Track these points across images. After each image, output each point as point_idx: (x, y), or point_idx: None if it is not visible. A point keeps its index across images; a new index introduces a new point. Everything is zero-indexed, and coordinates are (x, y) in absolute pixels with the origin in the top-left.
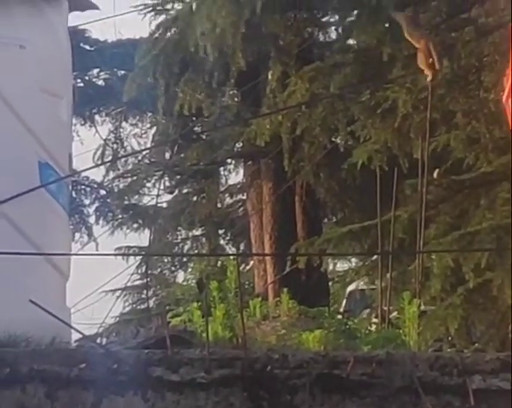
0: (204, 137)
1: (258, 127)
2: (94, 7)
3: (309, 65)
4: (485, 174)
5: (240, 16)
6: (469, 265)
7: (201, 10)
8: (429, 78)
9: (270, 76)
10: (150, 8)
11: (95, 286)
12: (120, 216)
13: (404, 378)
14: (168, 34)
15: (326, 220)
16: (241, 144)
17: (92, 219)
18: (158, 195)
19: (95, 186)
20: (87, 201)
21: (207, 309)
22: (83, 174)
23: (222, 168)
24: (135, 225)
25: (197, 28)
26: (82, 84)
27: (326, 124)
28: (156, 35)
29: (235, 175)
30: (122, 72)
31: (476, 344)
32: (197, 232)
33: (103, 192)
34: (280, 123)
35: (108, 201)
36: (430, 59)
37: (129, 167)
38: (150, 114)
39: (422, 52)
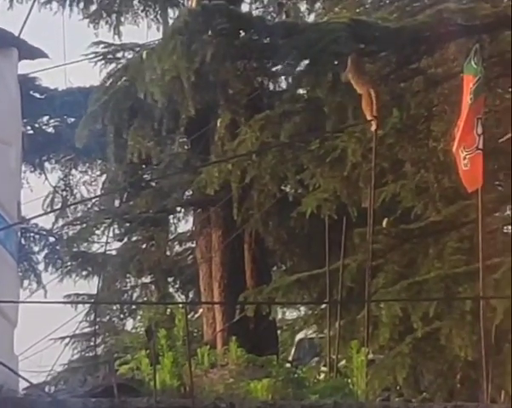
0: (154, 185)
1: (207, 176)
2: (44, 55)
3: (258, 113)
4: (433, 223)
5: (190, 64)
6: (417, 314)
7: (151, 58)
8: (372, 127)
9: (218, 124)
10: (101, 57)
11: (44, 333)
12: (69, 263)
13: None
14: (119, 82)
15: (275, 268)
16: (191, 192)
17: (41, 266)
18: (107, 243)
19: (44, 233)
20: (36, 249)
21: (155, 358)
22: (33, 221)
23: (171, 216)
24: (84, 273)
25: (147, 75)
26: (31, 131)
27: (275, 173)
28: (107, 83)
29: (184, 223)
30: (72, 120)
31: (424, 394)
32: (146, 280)
33: (52, 239)
34: (229, 172)
35: (57, 248)
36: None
37: (79, 215)
38: (100, 161)
39: (364, 98)
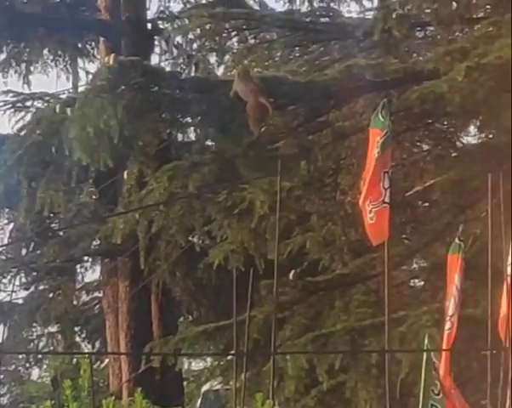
0: (61, 234)
1: (113, 225)
2: None
3: (166, 164)
4: (340, 276)
5: (112, 122)
6: (323, 367)
7: (74, 114)
8: (255, 134)
9: (125, 176)
10: (10, 106)
11: None
12: None
13: None
14: (33, 135)
15: (182, 319)
16: (99, 242)
17: None
18: (14, 292)
19: None
20: None
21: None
22: None
23: (79, 266)
24: None
25: (65, 131)
26: None
27: (183, 223)
28: (21, 135)
29: (91, 272)
30: None
31: None
32: (53, 329)
33: None
34: (136, 221)
35: None
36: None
37: None
38: (7, 210)
39: (251, 105)
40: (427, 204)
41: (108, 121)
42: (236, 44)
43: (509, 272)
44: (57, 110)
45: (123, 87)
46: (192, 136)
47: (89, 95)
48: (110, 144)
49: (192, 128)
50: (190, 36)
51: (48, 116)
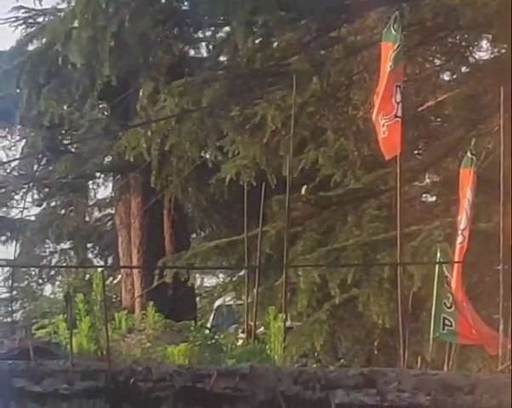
0: (73, 150)
1: (126, 142)
2: None
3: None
4: (352, 191)
5: (107, 24)
6: (335, 281)
7: (68, 19)
8: None
9: (141, 93)
10: (22, 21)
11: None
12: None
13: (267, 392)
14: (35, 42)
15: (194, 235)
16: (111, 158)
17: None
18: (26, 208)
19: None
20: None
21: (73, 322)
22: None
23: (91, 182)
24: (3, 238)
25: (63, 36)
26: None
27: (195, 139)
28: (26, 46)
29: (103, 189)
30: None
31: (342, 360)
32: (65, 245)
33: None
34: (149, 139)
35: None
36: None
37: None
38: (19, 127)
39: None
40: (439, 119)
41: (100, 24)
42: None
43: None
44: (61, 17)
45: None
46: (204, 52)
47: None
48: (106, 49)
49: (204, 44)
50: None
51: (52, 25)
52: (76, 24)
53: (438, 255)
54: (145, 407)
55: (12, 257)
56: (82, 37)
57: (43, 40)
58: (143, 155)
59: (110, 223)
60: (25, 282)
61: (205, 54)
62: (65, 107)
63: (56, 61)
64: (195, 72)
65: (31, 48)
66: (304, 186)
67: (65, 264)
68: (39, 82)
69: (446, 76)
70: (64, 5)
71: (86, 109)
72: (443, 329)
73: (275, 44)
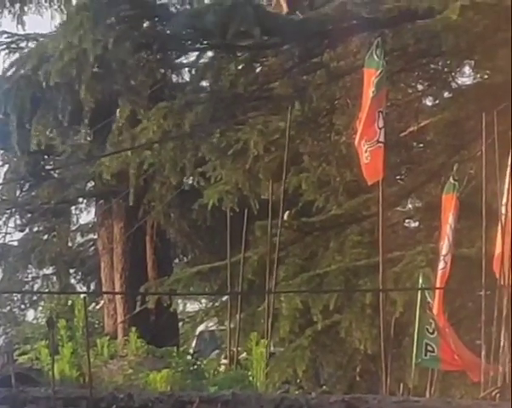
0: (56, 175)
1: (104, 164)
2: None
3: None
4: (335, 217)
5: (95, 41)
6: (317, 307)
7: (55, 38)
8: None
9: (118, 115)
10: (4, 47)
11: None
12: None
13: None
14: (22, 71)
15: (177, 260)
16: (93, 183)
17: None
18: (8, 233)
19: None
20: None
21: (55, 348)
22: None
23: (73, 207)
24: None
25: (46, 60)
26: None
27: (175, 163)
28: (10, 72)
29: (86, 214)
30: None
31: (324, 386)
32: (48, 270)
33: None
34: (128, 158)
35: None
36: None
37: None
38: (1, 151)
39: None
40: (422, 144)
41: (90, 38)
42: None
43: (503, 212)
44: (47, 44)
45: (113, 19)
46: (187, 77)
47: (71, 14)
48: (88, 73)
49: (187, 69)
50: None
51: (38, 51)
52: (62, 40)
53: (420, 281)
54: None
55: None
56: (63, 60)
57: (28, 65)
58: (125, 179)
59: (92, 248)
60: (8, 308)
61: (187, 79)
62: (47, 132)
63: (41, 86)
64: (175, 95)
65: (16, 73)
66: (287, 212)
67: (47, 290)
68: (26, 107)
69: (428, 102)
70: (47, 30)
71: (69, 134)
72: (425, 355)
73: (258, 69)
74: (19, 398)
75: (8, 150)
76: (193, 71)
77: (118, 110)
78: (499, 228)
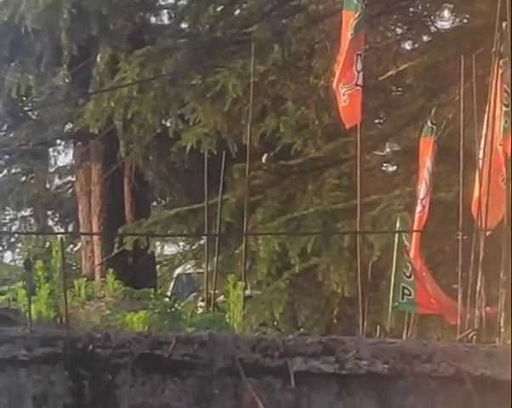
0: (34, 117)
1: (90, 114)
2: None
3: (140, 48)
4: (313, 160)
5: None
6: (295, 250)
7: None
8: None
9: (98, 60)
10: None
11: None
12: None
13: (226, 359)
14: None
15: (155, 203)
16: (71, 125)
17: None
18: None
19: None
20: None
21: (32, 289)
22: None
23: (51, 149)
24: None
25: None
26: None
27: (157, 108)
28: None
29: (64, 156)
30: None
31: (301, 329)
32: (26, 212)
33: None
34: (112, 109)
35: None
36: None
37: None
38: None
39: None
40: (400, 88)
41: None
42: None
43: (480, 156)
44: None
45: None
46: (166, 19)
47: None
48: (64, 16)
49: (165, 11)
50: None
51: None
52: None
53: (398, 224)
54: (103, 373)
55: None
56: (39, 5)
57: (6, 13)
58: (106, 124)
59: (70, 190)
60: None
61: (166, 22)
62: (28, 76)
63: (19, 32)
64: (156, 40)
65: None
66: (265, 154)
67: (25, 231)
68: (3, 55)
69: (407, 46)
70: None
71: (47, 76)
72: (402, 298)
73: (236, 12)
74: None
75: None
76: (172, 14)
77: (98, 56)
78: (477, 172)
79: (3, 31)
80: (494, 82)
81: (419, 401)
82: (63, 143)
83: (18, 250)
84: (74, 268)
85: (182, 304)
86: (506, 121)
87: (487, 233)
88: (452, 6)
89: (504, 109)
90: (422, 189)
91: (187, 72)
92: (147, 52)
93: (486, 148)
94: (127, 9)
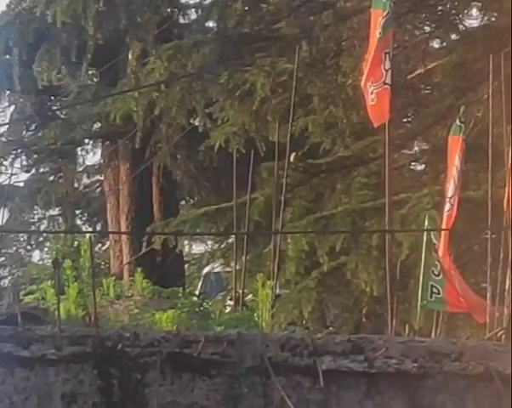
0: (62, 116)
1: (113, 106)
2: None
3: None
4: (341, 159)
5: None
6: (323, 249)
7: None
8: None
9: (130, 56)
10: None
11: None
12: None
13: (255, 358)
14: (24, 4)
15: (183, 202)
16: (100, 125)
17: None
18: (14, 174)
19: None
20: None
21: (61, 288)
22: None
23: (80, 148)
24: None
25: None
26: None
27: (183, 104)
28: (12, 6)
29: (92, 155)
30: None
31: (330, 328)
32: (54, 212)
33: None
34: (136, 100)
35: None
36: None
37: None
38: (8, 92)
39: None
40: (428, 87)
41: None
42: None
43: (510, 154)
44: None
45: None
46: (194, 17)
47: None
48: (93, 9)
49: (193, 9)
50: None
51: None
52: None
53: (426, 223)
54: (132, 372)
55: (0, 223)
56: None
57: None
58: (130, 117)
59: (98, 189)
60: (14, 248)
61: (193, 17)
62: (54, 73)
63: (45, 23)
64: (184, 36)
65: (17, 7)
66: (294, 153)
67: (53, 231)
68: (29, 41)
69: (435, 44)
70: None
71: (76, 74)
72: (431, 297)
73: (264, 8)
74: (26, 336)
75: (14, 90)
76: (199, 11)
77: (130, 52)
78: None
79: (28, 18)
80: None
81: (449, 400)
82: (91, 142)
83: (46, 249)
84: (102, 267)
85: (210, 303)
86: None
87: None
88: (480, 4)
89: None
90: (450, 188)
91: (214, 68)
92: (175, 46)
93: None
94: (154, 2)
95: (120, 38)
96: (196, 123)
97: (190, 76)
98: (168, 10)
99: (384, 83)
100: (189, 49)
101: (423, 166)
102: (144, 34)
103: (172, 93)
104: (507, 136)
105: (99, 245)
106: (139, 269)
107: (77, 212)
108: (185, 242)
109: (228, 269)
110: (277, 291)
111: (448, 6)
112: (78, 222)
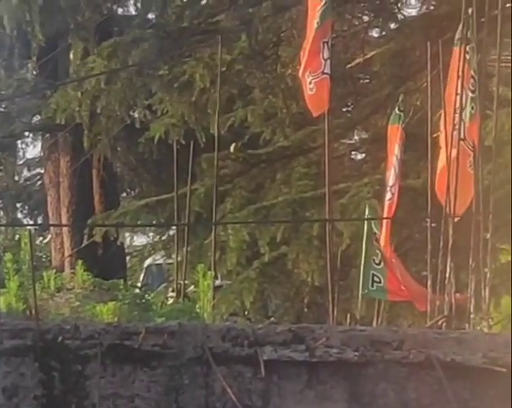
0: (1, 109)
1: (56, 105)
2: None
3: (109, 39)
4: (281, 149)
5: None
6: (264, 239)
7: None
8: None
9: (72, 56)
10: None
11: None
12: None
13: (196, 349)
14: None
15: (124, 194)
16: (39, 118)
17: None
18: None
19: None
20: None
21: (1, 281)
22: None
23: (20, 141)
24: None
25: None
26: None
27: (124, 99)
28: None
29: (32, 148)
30: None
31: (272, 318)
32: None
33: None
34: (80, 100)
35: None
36: None
37: None
38: None
39: None
40: (368, 76)
41: None
42: None
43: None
44: None
45: None
46: (132, 10)
47: None
48: (35, 9)
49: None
50: None
51: None
52: None
53: (367, 212)
54: (73, 365)
55: None
56: (12, 2)
57: None
58: (73, 116)
59: (39, 182)
60: None
61: (133, 12)
62: None
63: None
64: (124, 31)
65: None
66: (233, 144)
67: None
68: None
69: (374, 33)
70: None
71: (15, 68)
72: (372, 286)
73: (203, 1)
74: None
75: None
76: (138, 4)
77: (71, 52)
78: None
79: None
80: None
81: (390, 388)
82: (31, 135)
83: None
84: (44, 260)
85: (152, 295)
86: (473, 108)
87: (456, 219)
88: None
89: (471, 95)
90: (391, 177)
91: (154, 63)
92: (115, 43)
93: (452, 134)
94: (94, 1)
95: (59, 32)
96: (136, 115)
97: (129, 71)
98: (108, 5)
99: (323, 73)
100: (128, 46)
101: (363, 155)
102: (85, 33)
103: (113, 91)
104: (444, 124)
105: (41, 238)
106: (79, 262)
107: (18, 205)
108: (127, 234)
109: (170, 261)
110: (219, 281)
111: None
112: (19, 215)
